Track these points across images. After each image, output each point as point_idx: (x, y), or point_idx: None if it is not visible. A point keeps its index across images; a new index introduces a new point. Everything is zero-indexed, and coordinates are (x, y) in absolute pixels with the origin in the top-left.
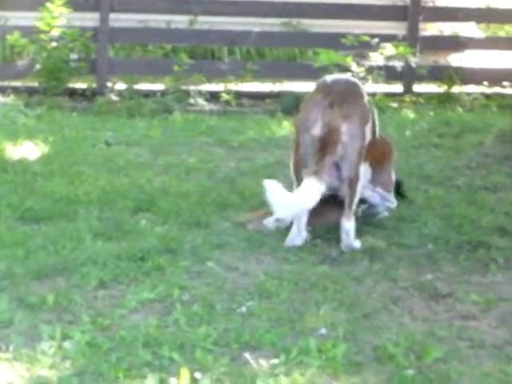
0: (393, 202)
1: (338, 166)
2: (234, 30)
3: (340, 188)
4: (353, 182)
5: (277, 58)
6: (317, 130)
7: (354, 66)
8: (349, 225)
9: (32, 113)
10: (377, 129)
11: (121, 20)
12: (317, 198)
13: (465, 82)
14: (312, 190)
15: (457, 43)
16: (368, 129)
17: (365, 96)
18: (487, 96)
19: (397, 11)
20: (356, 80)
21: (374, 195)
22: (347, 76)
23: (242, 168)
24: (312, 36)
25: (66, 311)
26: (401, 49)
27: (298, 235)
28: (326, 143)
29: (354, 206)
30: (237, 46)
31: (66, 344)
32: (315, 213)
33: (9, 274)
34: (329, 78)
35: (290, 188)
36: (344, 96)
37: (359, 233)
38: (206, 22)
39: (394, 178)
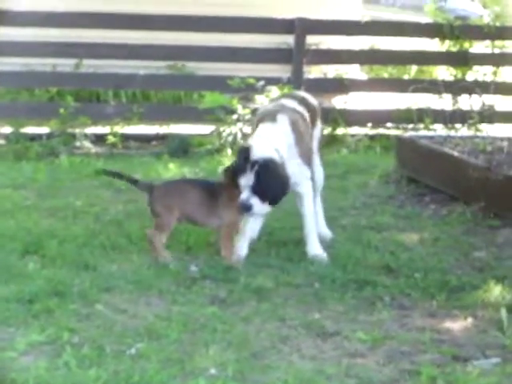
0: None
1: None
2: (119, 73)
3: None
4: None
5: (162, 100)
6: None
7: (239, 109)
8: None
9: None
10: None
11: (6, 64)
12: None
13: (349, 123)
14: None
15: (341, 85)
16: None
17: None
18: (371, 137)
19: (281, 54)
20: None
21: None
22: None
23: (129, 210)
24: (198, 79)
25: None
26: (285, 91)
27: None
28: None
29: None
30: (122, 89)
31: None
32: None
33: None
34: None
35: None
36: None
37: (247, 272)
38: (91, 65)
39: None
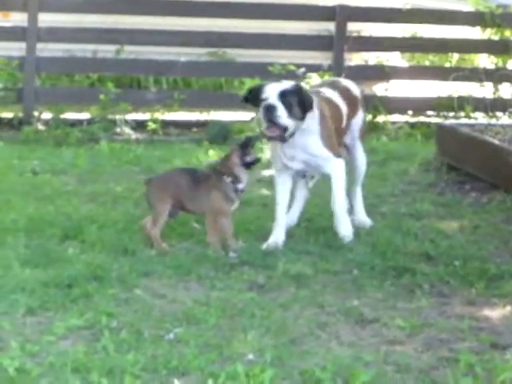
0: None
1: None
2: (160, 60)
3: None
4: None
5: (203, 87)
6: None
7: None
8: None
9: None
10: None
11: (47, 49)
12: None
13: (390, 111)
14: None
15: (382, 73)
16: None
17: None
18: (412, 125)
19: (322, 41)
20: None
21: None
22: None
23: None
24: (238, 65)
25: None
26: (326, 78)
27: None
28: None
29: None
30: (163, 76)
31: None
32: None
33: None
34: None
35: None
36: None
37: (286, 258)
38: (132, 51)
39: None
